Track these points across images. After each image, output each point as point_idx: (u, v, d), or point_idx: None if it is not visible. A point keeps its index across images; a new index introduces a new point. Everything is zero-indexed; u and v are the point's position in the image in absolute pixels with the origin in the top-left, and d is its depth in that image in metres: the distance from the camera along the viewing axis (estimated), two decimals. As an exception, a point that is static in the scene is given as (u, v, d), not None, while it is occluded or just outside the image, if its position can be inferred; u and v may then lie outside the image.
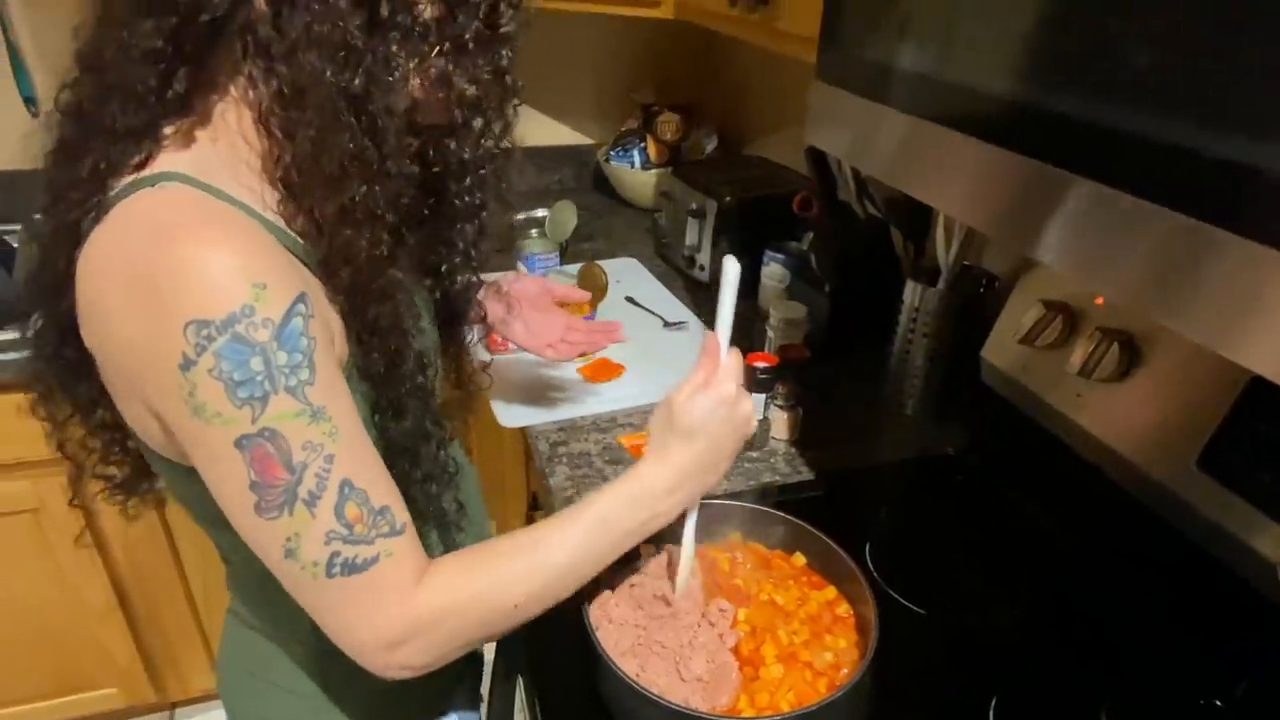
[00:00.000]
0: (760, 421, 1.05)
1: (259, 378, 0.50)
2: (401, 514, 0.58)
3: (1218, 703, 0.72)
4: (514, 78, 0.61)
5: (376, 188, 0.56)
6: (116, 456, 0.70)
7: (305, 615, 0.57)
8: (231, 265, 0.50)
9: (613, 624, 0.72)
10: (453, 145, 0.61)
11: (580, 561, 0.64)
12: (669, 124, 1.89)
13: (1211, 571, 0.74)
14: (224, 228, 0.52)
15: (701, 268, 1.55)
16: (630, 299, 1.49)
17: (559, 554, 0.63)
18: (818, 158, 1.26)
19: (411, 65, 0.55)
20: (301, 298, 0.53)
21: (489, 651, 0.82)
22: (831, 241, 1.28)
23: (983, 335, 1.02)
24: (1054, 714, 0.74)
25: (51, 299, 0.58)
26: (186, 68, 0.54)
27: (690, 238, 1.54)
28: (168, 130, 0.55)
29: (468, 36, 0.56)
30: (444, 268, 0.70)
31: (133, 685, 1.63)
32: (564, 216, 1.65)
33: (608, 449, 1.08)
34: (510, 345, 1.14)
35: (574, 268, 1.47)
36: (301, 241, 0.58)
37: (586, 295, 1.13)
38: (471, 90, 0.59)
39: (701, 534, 0.76)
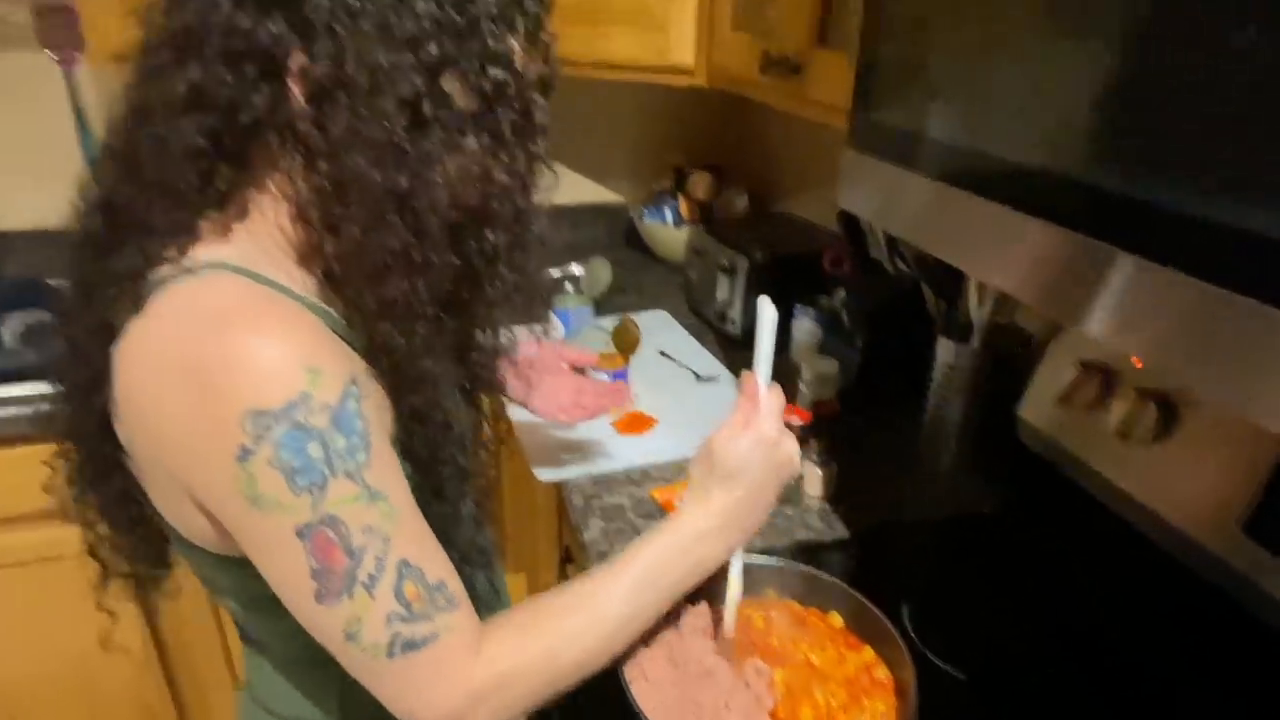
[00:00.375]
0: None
1: (318, 464, 0.50)
2: (456, 586, 0.58)
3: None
4: (549, 165, 0.62)
5: (419, 281, 0.56)
6: (142, 553, 0.69)
7: (327, 703, 0.56)
8: (285, 352, 0.49)
9: (649, 682, 0.72)
10: (490, 234, 0.61)
11: (634, 614, 0.64)
12: (701, 183, 1.93)
13: (1259, 634, 0.72)
14: (273, 312, 0.52)
15: (733, 322, 1.57)
16: (663, 352, 1.51)
17: (613, 608, 0.63)
18: (849, 217, 1.28)
19: (452, 160, 0.56)
20: (354, 379, 0.53)
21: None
22: (863, 297, 1.30)
23: (1017, 392, 1.02)
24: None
25: (87, 395, 0.57)
26: (226, 164, 0.54)
27: (722, 293, 1.57)
28: (206, 224, 0.55)
29: (505, 129, 0.57)
30: (477, 349, 0.70)
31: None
32: (599, 273, 1.68)
33: (640, 503, 1.09)
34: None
35: (608, 321, 1.50)
36: (344, 322, 0.58)
37: (594, 359, 1.14)
38: (508, 180, 0.59)
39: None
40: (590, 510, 1.07)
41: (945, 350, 1.11)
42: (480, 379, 0.74)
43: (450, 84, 0.54)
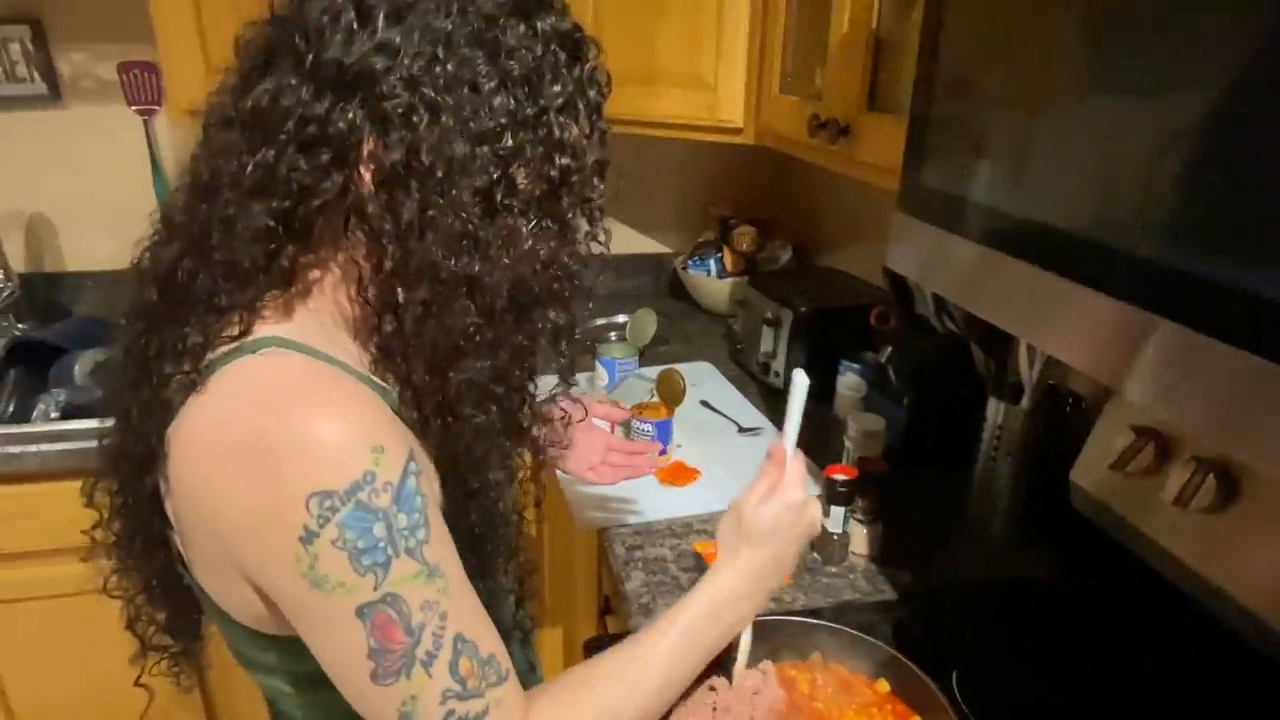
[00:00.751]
0: (839, 536, 1.04)
1: (382, 544, 0.49)
2: (505, 660, 0.58)
3: None
4: (606, 245, 0.63)
5: (488, 363, 0.57)
6: (179, 627, 0.69)
7: None
8: (348, 430, 0.49)
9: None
10: (554, 315, 0.62)
11: (671, 681, 0.64)
12: (745, 236, 1.96)
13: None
14: (335, 391, 0.52)
15: (776, 374, 1.57)
16: (705, 403, 1.52)
17: (651, 677, 0.63)
18: (895, 273, 1.28)
19: (519, 244, 0.56)
20: (412, 455, 0.52)
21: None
22: (910, 354, 1.29)
23: (1068, 455, 1.00)
24: None
25: (139, 471, 0.58)
26: (293, 245, 0.54)
27: (765, 345, 1.57)
28: (268, 302, 0.55)
29: (567, 213, 0.58)
30: (527, 421, 0.70)
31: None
32: (644, 323, 1.70)
33: (683, 555, 1.09)
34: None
35: (652, 371, 1.51)
36: (397, 397, 0.58)
37: (625, 414, 1.14)
38: (570, 262, 0.60)
39: (781, 651, 0.76)
40: (632, 561, 1.07)
41: (995, 411, 1.10)
42: (527, 446, 0.74)
43: (519, 172, 0.55)
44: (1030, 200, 0.65)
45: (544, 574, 1.63)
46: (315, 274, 0.57)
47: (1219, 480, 0.79)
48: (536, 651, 0.87)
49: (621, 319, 1.78)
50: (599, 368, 1.55)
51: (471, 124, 0.52)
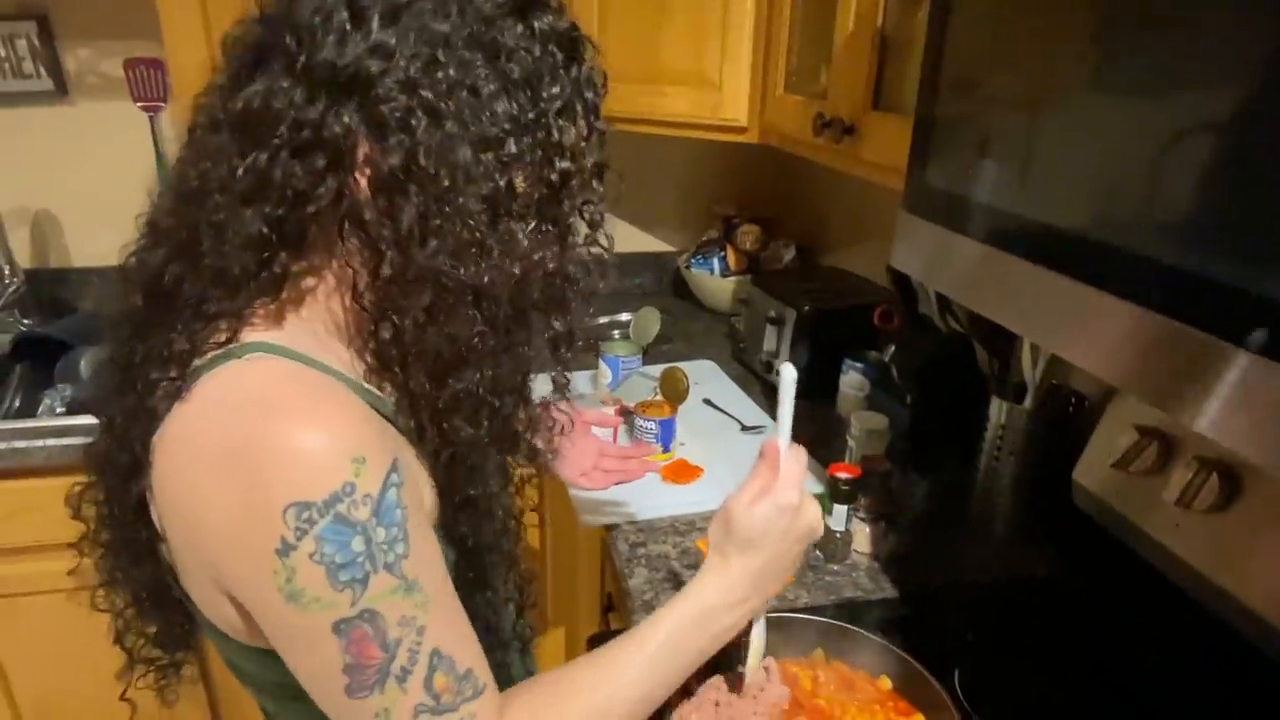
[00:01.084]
0: (841, 534, 1.05)
1: (360, 558, 0.48)
2: (483, 674, 0.56)
3: None
4: (608, 248, 0.62)
5: (489, 372, 0.56)
6: (168, 639, 0.68)
7: None
8: (330, 441, 0.48)
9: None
10: (556, 321, 0.61)
11: (653, 688, 0.63)
12: (749, 235, 1.96)
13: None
14: (320, 399, 0.50)
15: (779, 373, 1.57)
16: (708, 401, 1.52)
17: (633, 684, 0.61)
18: (899, 273, 1.29)
19: (521, 250, 0.55)
20: (394, 466, 0.51)
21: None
22: (913, 353, 1.29)
23: (1071, 454, 1.01)
24: None
25: (124, 480, 0.56)
26: (285, 252, 0.53)
27: (768, 344, 1.58)
28: (258, 308, 0.54)
29: (568, 216, 0.57)
30: (523, 428, 0.69)
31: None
32: (648, 322, 1.71)
33: (685, 552, 1.09)
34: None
35: (655, 369, 1.51)
36: (392, 404, 0.57)
37: (619, 421, 1.14)
38: (572, 268, 0.59)
39: (784, 648, 0.76)
40: (635, 558, 1.08)
41: (998, 410, 1.10)
42: (522, 453, 0.73)
43: (519, 177, 0.54)
44: (1035, 200, 0.65)
45: (547, 572, 1.64)
46: (308, 281, 0.55)
47: (1221, 480, 0.79)
48: (536, 660, 0.86)
49: (625, 317, 1.78)
50: (602, 365, 1.55)
51: (474, 129, 0.51)
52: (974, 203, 0.72)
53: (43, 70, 1.69)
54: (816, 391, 1.44)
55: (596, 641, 0.90)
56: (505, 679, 0.65)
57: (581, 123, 0.57)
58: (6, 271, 1.70)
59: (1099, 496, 0.95)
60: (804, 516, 0.67)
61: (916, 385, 1.28)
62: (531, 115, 0.53)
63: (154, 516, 0.55)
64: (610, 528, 1.14)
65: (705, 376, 1.63)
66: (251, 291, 0.53)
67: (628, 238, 2.13)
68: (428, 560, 0.53)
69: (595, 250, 0.61)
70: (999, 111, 0.70)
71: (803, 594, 1.00)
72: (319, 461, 0.47)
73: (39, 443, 1.37)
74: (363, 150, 0.51)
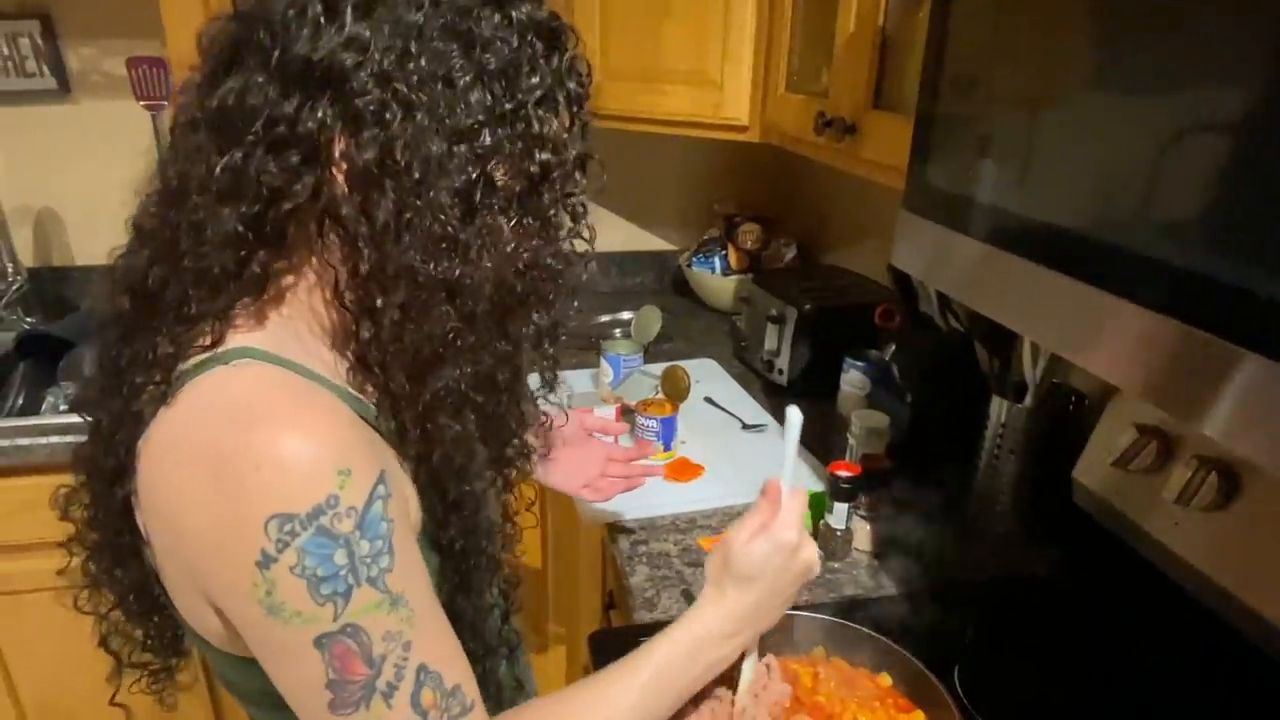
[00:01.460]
0: (842, 532, 1.05)
1: (343, 572, 0.47)
2: (471, 689, 0.55)
3: None
4: (590, 241, 0.61)
5: (468, 369, 0.55)
6: (156, 643, 0.67)
7: None
8: (315, 452, 0.47)
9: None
10: (537, 316, 0.60)
11: (645, 717, 0.62)
12: (750, 233, 1.96)
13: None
14: (306, 408, 0.50)
15: (780, 371, 1.58)
16: (709, 399, 1.53)
17: (623, 712, 0.61)
18: (900, 271, 1.29)
19: (500, 244, 0.54)
20: (381, 477, 0.50)
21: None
22: (914, 352, 1.30)
23: (1071, 454, 1.01)
24: None
25: (109, 483, 0.56)
26: (264, 251, 0.52)
27: (769, 342, 1.58)
28: (240, 310, 0.53)
29: (549, 210, 0.56)
30: (510, 431, 0.68)
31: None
32: (649, 320, 1.71)
33: (687, 550, 1.09)
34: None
35: (657, 368, 1.52)
36: (374, 408, 0.56)
37: (624, 428, 1.11)
38: (553, 262, 0.58)
39: (784, 646, 0.76)
40: (636, 556, 1.08)
41: (998, 408, 1.10)
42: (511, 460, 0.72)
43: (497, 169, 0.53)
44: (1035, 199, 0.65)
45: (548, 570, 1.64)
46: (289, 279, 0.55)
47: (1221, 478, 0.79)
48: (526, 667, 0.85)
49: (626, 315, 1.79)
50: (604, 364, 1.55)
51: (447, 121, 0.50)
52: (975, 202, 0.72)
53: (46, 69, 1.70)
54: (817, 390, 1.44)
55: (598, 640, 0.91)
56: (492, 686, 0.65)
57: (564, 114, 0.56)
58: (9, 270, 1.71)
59: (1099, 495, 0.96)
60: (801, 555, 0.67)
61: (917, 384, 1.28)
62: (509, 106, 0.52)
63: (139, 521, 0.54)
64: (611, 526, 1.15)
65: (706, 375, 1.64)
66: (233, 292, 0.52)
67: (629, 236, 2.13)
68: (414, 574, 0.53)
69: (579, 243, 0.60)
70: (1000, 110, 0.70)
71: (803, 592, 1.00)
72: (303, 472, 0.46)
73: (42, 440, 1.37)
74: (339, 145, 0.50)
